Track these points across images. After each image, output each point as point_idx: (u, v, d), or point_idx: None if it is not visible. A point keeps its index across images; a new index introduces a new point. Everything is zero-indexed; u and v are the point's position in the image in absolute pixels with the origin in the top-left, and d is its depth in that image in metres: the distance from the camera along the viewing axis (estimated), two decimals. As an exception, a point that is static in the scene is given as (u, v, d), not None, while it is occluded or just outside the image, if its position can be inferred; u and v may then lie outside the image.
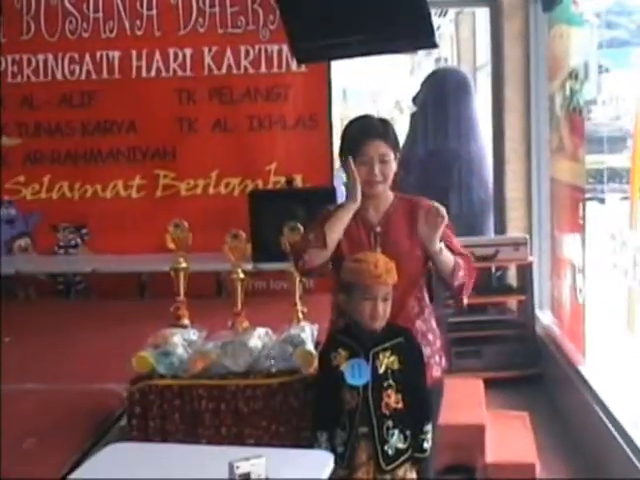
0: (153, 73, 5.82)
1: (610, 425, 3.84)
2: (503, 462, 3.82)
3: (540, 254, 5.58)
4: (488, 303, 5.64)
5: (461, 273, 2.87)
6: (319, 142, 5.78)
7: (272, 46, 5.79)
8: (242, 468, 2.30)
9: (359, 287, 2.73)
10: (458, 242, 2.99)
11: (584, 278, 4.50)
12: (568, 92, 4.67)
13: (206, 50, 5.81)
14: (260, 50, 5.80)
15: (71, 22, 5.80)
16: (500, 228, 5.95)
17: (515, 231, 5.76)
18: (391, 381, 2.75)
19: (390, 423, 2.74)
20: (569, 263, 4.79)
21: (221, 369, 3.20)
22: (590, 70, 4.50)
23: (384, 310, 2.74)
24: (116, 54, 5.80)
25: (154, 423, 3.16)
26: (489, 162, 6.19)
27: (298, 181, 5.78)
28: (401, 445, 2.75)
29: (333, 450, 2.72)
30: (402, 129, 6.78)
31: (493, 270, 5.75)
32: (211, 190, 5.89)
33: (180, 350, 3.27)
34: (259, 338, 3.34)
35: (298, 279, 3.54)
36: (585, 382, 4.34)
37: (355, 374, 2.72)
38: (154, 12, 5.78)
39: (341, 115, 8.91)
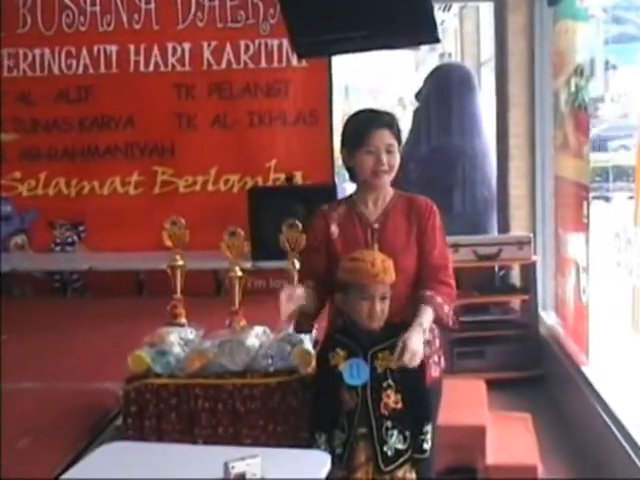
0: (151, 68, 5.83)
1: (614, 427, 3.84)
2: (504, 464, 3.82)
3: (544, 253, 5.58)
4: (491, 303, 5.64)
5: (446, 309, 2.89)
6: (320, 139, 5.80)
7: (272, 41, 5.80)
8: (237, 468, 2.30)
9: (356, 286, 2.73)
10: (444, 252, 2.96)
11: (588, 277, 4.50)
12: (573, 88, 4.67)
13: (205, 44, 5.82)
14: (260, 45, 5.81)
15: (68, 15, 5.81)
16: (503, 226, 5.95)
17: (518, 230, 5.76)
18: (390, 381, 2.76)
19: (389, 423, 2.74)
20: (573, 262, 4.79)
21: (218, 368, 3.20)
22: (596, 66, 4.50)
23: (382, 309, 2.75)
24: (114, 48, 5.82)
25: (150, 422, 3.16)
26: (492, 159, 6.19)
27: (298, 178, 5.79)
28: (400, 446, 2.76)
29: (332, 451, 2.73)
30: (405, 126, 6.78)
31: (496, 269, 5.75)
32: (210, 187, 5.91)
33: (177, 349, 3.27)
34: (257, 337, 3.34)
35: (297, 277, 3.55)
36: (589, 383, 4.34)
37: (354, 374, 2.72)
38: (152, 6, 5.80)
39: (342, 111, 8.92)
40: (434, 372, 2.95)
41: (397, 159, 2.90)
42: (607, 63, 4.82)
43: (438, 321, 2.91)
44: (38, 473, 2.84)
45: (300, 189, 5.63)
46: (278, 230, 3.64)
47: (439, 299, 2.87)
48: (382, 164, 2.86)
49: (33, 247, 6.00)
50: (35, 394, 3.53)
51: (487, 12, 7.06)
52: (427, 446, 2.79)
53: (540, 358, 5.36)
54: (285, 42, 5.66)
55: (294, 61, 5.77)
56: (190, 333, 3.44)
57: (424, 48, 10.59)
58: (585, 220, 4.47)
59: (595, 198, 4.56)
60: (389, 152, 2.87)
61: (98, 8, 5.80)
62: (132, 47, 5.81)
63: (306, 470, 2.44)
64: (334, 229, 2.96)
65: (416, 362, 2.69)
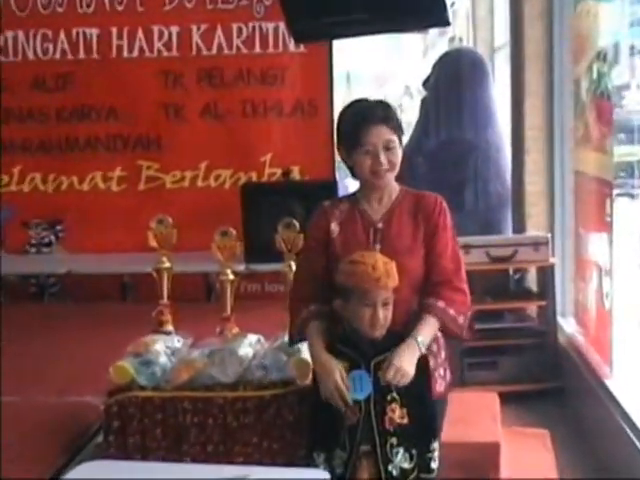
0: (135, 53, 5.84)
1: (639, 444, 3.83)
2: (520, 484, 3.81)
3: (563, 255, 5.57)
4: (505, 309, 5.62)
5: (460, 321, 2.90)
6: (319, 130, 5.81)
7: (267, 24, 5.81)
8: (229, 488, 2.30)
9: (356, 291, 2.72)
10: (456, 255, 2.96)
11: (611, 281, 4.49)
12: (595, 75, 4.66)
13: (194, 28, 5.83)
14: (254, 28, 5.82)
15: (44, -6, 5.82)
16: (519, 226, 5.94)
17: (535, 229, 5.74)
18: (395, 394, 2.75)
19: (394, 440, 2.74)
20: (595, 265, 4.78)
21: (208, 380, 3.20)
22: (621, 51, 4.49)
23: (385, 316, 2.74)
24: (94, 32, 5.82)
25: (134, 439, 3.16)
26: (507, 153, 6.18)
27: (296, 173, 5.80)
28: (406, 465, 2.75)
29: (331, 471, 2.73)
30: (412, 116, 6.78)
31: (511, 272, 5.73)
32: (199, 183, 5.92)
33: (163, 359, 3.27)
34: (250, 346, 3.35)
35: (294, 280, 3.54)
36: (612, 397, 4.33)
37: (356, 387, 2.71)
38: (136, -16, 5.81)
39: (344, 101, 8.91)
40: (439, 387, 2.95)
41: (398, 155, 2.90)
42: (632, 48, 4.80)
43: (450, 333, 2.92)
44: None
45: (298, 185, 5.64)
46: (274, 230, 3.64)
47: (451, 311, 2.88)
48: (381, 164, 2.86)
49: (6, 249, 6.00)
50: (9, 408, 3.52)
51: (501, -7, 7.06)
52: (435, 465, 2.79)
53: (559, 370, 5.34)
54: (281, 25, 5.67)
55: (291, 46, 5.79)
56: (178, 342, 3.44)
57: (433, 32, 10.61)
58: (608, 219, 4.46)
59: (619, 195, 4.54)
60: (388, 149, 2.87)
61: (77, -13, 5.81)
62: (114, 30, 5.82)
63: (303, 490, 2.44)
64: (334, 227, 2.96)
65: (405, 380, 2.71)
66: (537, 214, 5.79)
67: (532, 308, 5.71)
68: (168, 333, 3.59)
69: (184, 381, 3.19)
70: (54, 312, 5.57)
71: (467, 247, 5.11)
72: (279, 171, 5.78)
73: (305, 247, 3.08)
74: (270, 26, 5.81)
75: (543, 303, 5.46)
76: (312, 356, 2.88)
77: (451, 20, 5.01)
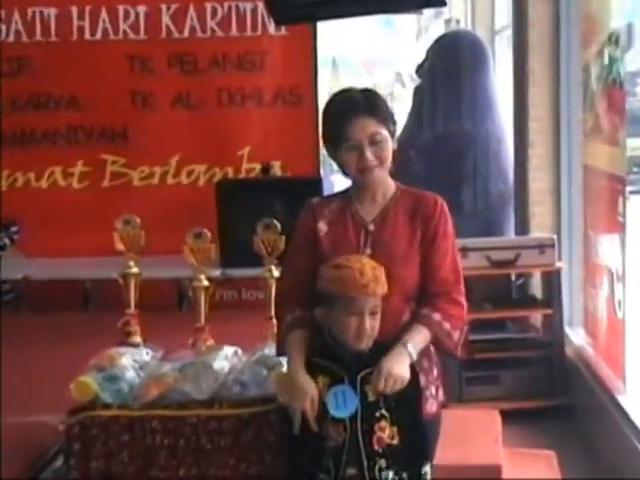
0: (99, 35, 5.82)
1: (654, 466, 3.85)
2: (524, 509, 3.82)
3: (570, 258, 5.60)
4: (507, 318, 5.64)
5: (455, 337, 2.91)
6: (302, 121, 5.80)
7: (245, 4, 5.81)
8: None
9: (341, 299, 2.72)
10: (455, 265, 2.97)
11: (624, 288, 4.51)
12: (606, 61, 4.68)
13: (164, 7, 5.82)
14: (230, 8, 5.81)
15: (-6, -30, 5.80)
16: (522, 227, 5.96)
17: (540, 230, 5.76)
18: (384, 411, 2.75)
19: (383, 462, 2.73)
20: (606, 269, 4.80)
21: (180, 397, 3.18)
22: (634, 34, 4.51)
23: (372, 326, 2.74)
24: (52, 11, 5.80)
25: (97, 463, 3.14)
26: (509, 146, 6.21)
27: (277, 169, 5.80)
28: (396, 490, 2.76)
29: (314, 499, 2.74)
30: (404, 107, 6.79)
31: (513, 278, 5.76)
32: (170, 179, 5.90)
33: (130, 374, 3.26)
34: (226, 359, 3.34)
35: (276, 286, 3.54)
36: (625, 415, 4.35)
37: (340, 404, 2.71)
38: (99, -41, 5.79)
39: (330, 89, 8.92)
40: (430, 406, 2.95)
41: (387, 149, 2.89)
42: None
43: (443, 349, 2.94)
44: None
45: (279, 182, 5.63)
46: (252, 231, 3.64)
47: (447, 325, 2.89)
48: (366, 160, 2.86)
49: (-45, 253, 5.97)
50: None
51: (502, -30, 7.08)
52: (427, 491, 2.80)
53: (566, 384, 5.36)
54: (260, 5, 5.67)
55: (271, 28, 5.78)
56: (146, 354, 3.43)
57: (427, 13, 10.63)
58: (620, 219, 4.48)
59: (632, 193, 4.57)
60: (374, 143, 2.86)
61: (32, -39, 5.78)
62: (75, 10, 5.80)
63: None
64: (322, 226, 2.96)
65: (399, 386, 2.72)
66: (542, 214, 5.81)
67: (537, 317, 5.73)
68: (136, 345, 3.58)
69: (153, 398, 3.17)
70: (8, 322, 5.51)
71: (465, 250, 5.13)
72: (258, 166, 5.77)
73: (292, 247, 3.08)
74: (248, 6, 5.80)
75: (549, 311, 5.48)
76: (288, 372, 2.90)
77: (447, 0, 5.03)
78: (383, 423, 2.75)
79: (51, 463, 3.38)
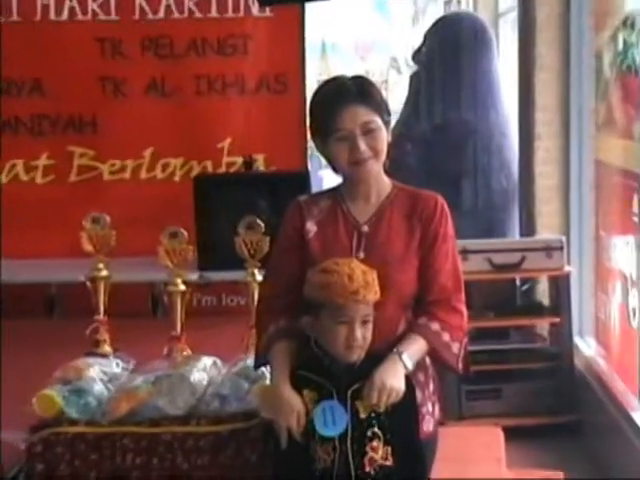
0: (65, 16, 5.80)
1: (671, 489, 3.86)
2: (529, 535, 3.83)
3: (580, 262, 5.60)
4: (510, 326, 5.64)
5: (455, 349, 2.92)
6: (288, 111, 5.81)
7: (226, -18, 5.80)
8: None
9: (329, 307, 2.72)
10: (456, 270, 2.98)
11: (639, 294, 4.52)
12: (621, 46, 4.68)
13: (137, -15, 5.81)
14: (210, -13, 5.81)
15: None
16: (527, 227, 5.96)
17: (547, 231, 5.77)
18: (377, 429, 2.75)
19: (376, 486, 2.74)
20: (619, 274, 4.81)
21: (153, 412, 3.18)
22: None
23: (363, 336, 2.74)
24: (13, -12, 5.79)
25: (62, 485, 3.14)
26: (514, 139, 6.21)
27: (260, 163, 5.79)
28: (389, 515, 2.77)
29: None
30: (400, 95, 6.79)
31: (518, 283, 5.76)
32: (143, 174, 5.90)
33: (98, 387, 3.26)
34: (204, 371, 3.34)
35: (259, 292, 3.54)
36: (639, 433, 4.36)
37: (328, 421, 2.71)
38: None
39: (319, 76, 8.93)
40: (427, 425, 2.97)
41: (382, 138, 2.90)
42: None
43: (441, 362, 2.95)
44: None
45: (263, 177, 5.63)
46: (233, 231, 3.65)
47: (446, 336, 2.90)
48: (359, 151, 2.86)
49: None
50: None
51: (507, -53, 7.09)
52: (423, 517, 2.81)
53: (575, 400, 5.37)
54: (243, -16, 5.68)
55: (255, 9, 5.77)
56: (116, 366, 3.44)
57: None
58: (635, 219, 4.48)
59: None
60: (368, 132, 2.87)
61: None
62: (39, -14, 5.79)
63: None
64: (310, 226, 2.97)
65: (394, 399, 2.72)
66: (549, 213, 5.81)
67: (543, 326, 5.73)
68: (105, 355, 3.59)
69: (124, 414, 3.17)
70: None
71: (465, 252, 5.13)
72: (240, 160, 5.76)
73: (277, 249, 3.07)
74: (230, -15, 5.80)
75: (556, 320, 5.48)
76: (271, 385, 2.90)
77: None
78: (375, 442, 2.75)
79: (10, 485, 3.37)
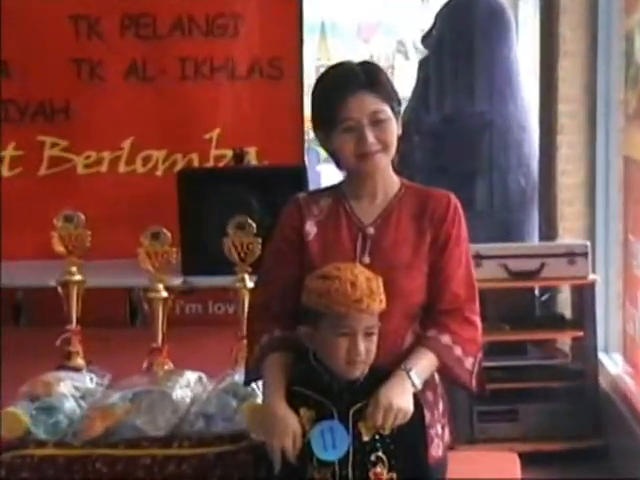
0: (35, -9, 5.80)
1: None
2: None
3: (606, 269, 5.60)
4: (528, 341, 5.65)
5: (468, 364, 2.92)
6: (284, 99, 5.82)
7: (216, -45, 5.81)
8: None
9: (329, 317, 2.71)
10: (470, 277, 2.98)
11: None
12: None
13: (115, -43, 5.81)
14: (198, -41, 5.81)
15: None
16: (548, 230, 5.97)
17: (570, 235, 5.77)
18: (381, 453, 2.75)
19: (380, 517, 2.75)
20: (649, 283, 4.81)
21: (131, 432, 3.17)
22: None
23: (367, 350, 2.73)
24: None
25: (29, 513, 3.14)
26: (534, 133, 6.22)
27: (252, 156, 5.78)
28: None
29: None
30: (407, 82, 6.80)
31: (537, 293, 5.77)
32: (122, 167, 5.89)
33: (70, 404, 3.25)
34: (188, 387, 3.34)
35: (248, 300, 3.54)
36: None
37: (327, 444, 2.71)
38: None
39: (317, 60, 8.94)
40: (436, 449, 2.96)
41: (392, 130, 2.90)
42: None
43: (453, 380, 2.95)
44: None
45: (255, 172, 5.63)
46: (222, 232, 3.65)
47: (458, 350, 2.90)
48: (367, 143, 2.86)
49: None
50: None
51: None
52: None
53: (600, 422, 5.37)
54: (234, -43, 5.68)
55: (247, -15, 5.79)
56: (90, 380, 3.44)
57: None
58: (668, 222, 4.48)
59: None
60: (377, 122, 2.87)
61: None
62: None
63: None
64: (310, 227, 2.96)
65: (401, 420, 2.72)
66: (573, 215, 5.81)
67: (565, 340, 5.74)
68: (77, 369, 3.59)
69: (98, 434, 3.16)
70: None
71: (478, 258, 5.12)
72: (230, 153, 5.76)
73: (272, 251, 3.06)
74: (220, -42, 5.81)
75: (579, 334, 5.49)
76: (264, 402, 2.89)
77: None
78: (379, 468, 2.74)
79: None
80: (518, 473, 4.27)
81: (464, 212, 3.03)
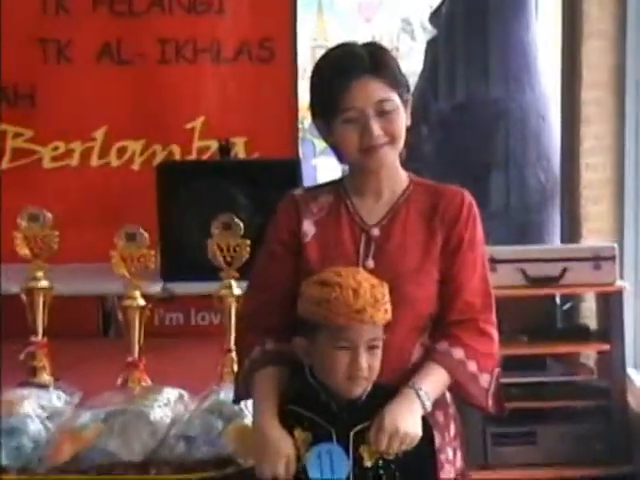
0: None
1: None
2: None
3: (636, 275, 5.61)
4: (549, 355, 5.65)
5: (483, 381, 2.91)
6: (275, 85, 5.82)
7: None
8: None
9: (328, 328, 2.70)
10: (485, 284, 2.98)
11: None
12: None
13: None
14: None
15: None
16: (570, 231, 5.97)
17: (595, 237, 5.77)
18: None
19: None
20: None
21: (103, 457, 3.18)
22: None
23: (370, 365, 2.72)
24: None
25: None
26: (555, 123, 6.22)
27: (239, 148, 5.78)
28: None
29: None
30: (414, 66, 6.79)
31: (558, 301, 5.77)
32: (94, 160, 5.89)
33: (35, 426, 3.26)
34: (167, 406, 3.35)
35: (235, 309, 3.54)
36: None
37: (325, 469, 2.71)
38: None
39: (313, 41, 8.93)
40: (447, 475, 2.96)
41: (400, 121, 2.90)
42: None
43: (466, 399, 2.94)
44: None
45: (242, 166, 5.61)
46: (206, 232, 3.66)
47: (472, 366, 2.89)
48: (372, 136, 2.86)
49: None
50: None
51: None
52: None
53: (629, 446, 5.37)
54: None
55: (234, -43, 5.78)
56: (58, 398, 3.45)
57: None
58: None
59: None
60: (383, 113, 2.87)
61: None
62: None
63: None
64: (308, 228, 2.96)
65: (407, 446, 2.71)
66: (599, 215, 5.81)
67: (589, 354, 5.74)
68: (43, 386, 3.58)
69: (67, 459, 3.17)
70: None
71: (493, 262, 5.12)
72: (215, 144, 5.74)
73: (264, 255, 3.06)
74: None
75: (606, 347, 5.49)
76: (254, 421, 2.88)
77: None
78: (383, 498, 2.74)
79: None
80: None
81: (479, 212, 3.03)
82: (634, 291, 5.58)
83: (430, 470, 2.83)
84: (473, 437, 4.95)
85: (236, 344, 3.15)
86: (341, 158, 2.98)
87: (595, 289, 5.58)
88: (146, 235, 3.67)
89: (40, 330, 3.70)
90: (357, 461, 2.73)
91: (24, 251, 3.72)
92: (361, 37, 3.06)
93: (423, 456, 2.79)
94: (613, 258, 5.41)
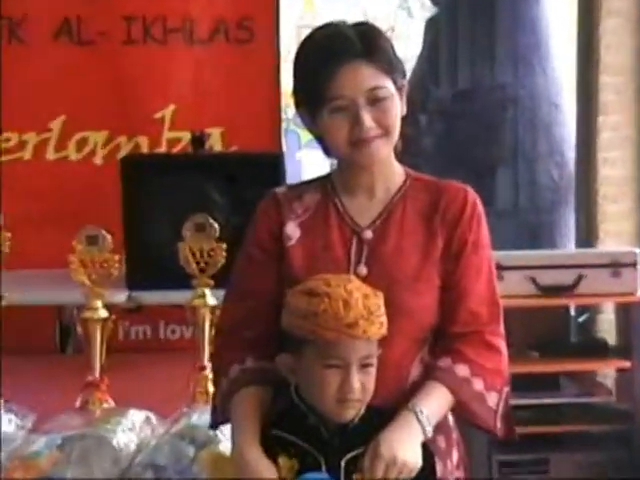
0: None
1: None
2: None
3: (660, 284, 5.62)
4: (562, 373, 5.66)
5: (491, 401, 2.90)
6: (256, 69, 5.82)
7: None
8: None
9: (316, 344, 2.69)
10: (492, 291, 2.98)
11: None
12: None
13: None
14: None
15: None
16: (586, 235, 5.98)
17: (614, 241, 5.79)
18: (380, 513, 2.76)
19: None
20: None
21: (60, 488, 3.18)
22: None
23: (363, 386, 2.72)
24: None
25: None
26: (569, 112, 6.23)
27: (215, 140, 5.78)
28: None
29: None
30: (411, 48, 6.80)
31: (572, 312, 5.77)
32: (51, 153, 5.89)
33: (-17, 452, 3.26)
34: (133, 430, 3.35)
35: (210, 321, 3.53)
36: None
37: (312, 501, 2.72)
38: None
39: (299, 21, 8.94)
40: (450, 504, 2.99)
41: (394, 111, 2.89)
42: None
43: (472, 421, 2.93)
44: None
45: (218, 160, 5.62)
46: (177, 234, 3.66)
47: (478, 384, 2.88)
48: (363, 127, 2.85)
49: None
50: None
51: None
52: None
53: (652, 474, 5.38)
54: None
55: None
56: (8, 422, 3.45)
57: None
58: None
59: None
60: (375, 101, 2.86)
61: None
62: None
63: None
64: (292, 230, 2.95)
65: (406, 475, 2.70)
66: (618, 215, 5.83)
67: (607, 372, 5.74)
68: (-7, 407, 3.57)
69: (19, 490, 3.16)
70: None
71: (500, 268, 5.11)
72: (187, 135, 5.74)
73: (243, 260, 3.05)
74: None
75: (626, 364, 5.51)
76: (233, 447, 2.86)
77: None
78: (377, 531, 2.74)
79: None
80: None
81: (484, 212, 3.03)
82: (658, 302, 5.59)
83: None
84: (478, 465, 4.95)
85: (212, 361, 3.13)
86: (328, 152, 2.97)
87: (614, 299, 5.59)
88: (109, 238, 3.68)
89: (-10, 345, 3.72)
90: (349, 491, 2.73)
91: (-29, 256, 3.74)
92: (353, 16, 3.04)
93: (425, 476, 2.79)
94: (634, 264, 5.42)
